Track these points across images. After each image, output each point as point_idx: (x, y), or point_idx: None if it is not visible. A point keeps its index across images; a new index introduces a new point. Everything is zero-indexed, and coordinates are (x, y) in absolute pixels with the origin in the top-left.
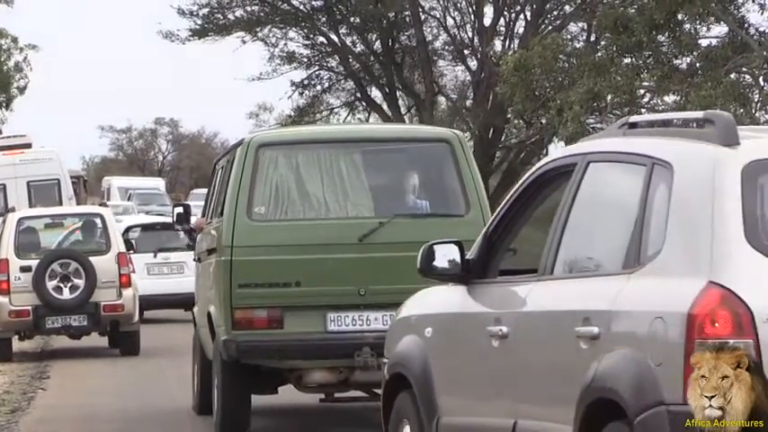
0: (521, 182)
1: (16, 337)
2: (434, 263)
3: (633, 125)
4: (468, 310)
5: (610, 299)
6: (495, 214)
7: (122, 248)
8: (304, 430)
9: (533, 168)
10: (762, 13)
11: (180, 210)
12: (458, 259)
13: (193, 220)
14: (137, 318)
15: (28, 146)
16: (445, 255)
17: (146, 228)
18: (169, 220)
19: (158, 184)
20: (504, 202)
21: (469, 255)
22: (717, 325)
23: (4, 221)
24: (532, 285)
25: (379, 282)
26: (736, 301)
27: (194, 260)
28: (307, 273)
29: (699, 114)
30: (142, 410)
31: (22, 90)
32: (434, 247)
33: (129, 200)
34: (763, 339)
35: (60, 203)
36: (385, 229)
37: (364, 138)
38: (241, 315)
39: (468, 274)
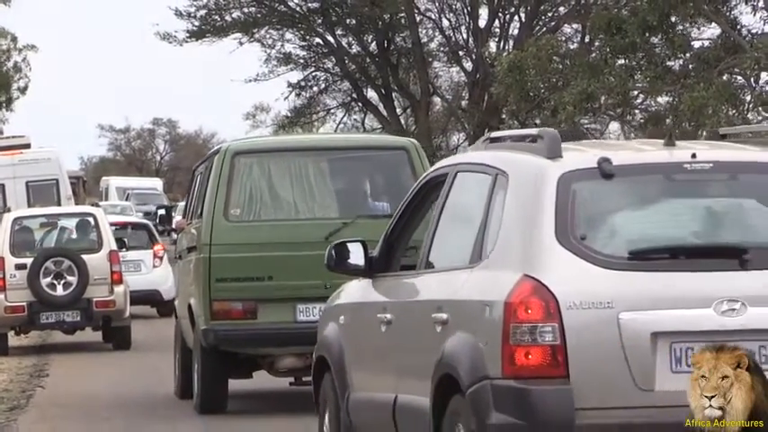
0: (411, 190)
1: (12, 332)
2: (348, 260)
3: (494, 140)
4: (368, 300)
5: (456, 289)
6: (392, 218)
7: (114, 247)
8: (276, 412)
9: (420, 178)
10: (754, 15)
11: (162, 211)
12: (362, 257)
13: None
14: (128, 313)
15: (27, 146)
16: (354, 252)
17: None
18: (131, 219)
19: (156, 184)
20: (398, 208)
21: (374, 253)
22: (529, 311)
23: (0, 222)
24: (410, 279)
25: (342, 277)
26: (545, 292)
27: (175, 258)
28: (278, 268)
29: (534, 131)
30: (136, 401)
31: (23, 90)
32: (345, 245)
33: (126, 200)
34: (566, 323)
35: (59, 203)
36: (348, 229)
37: (330, 146)
38: (219, 307)
39: (370, 269)
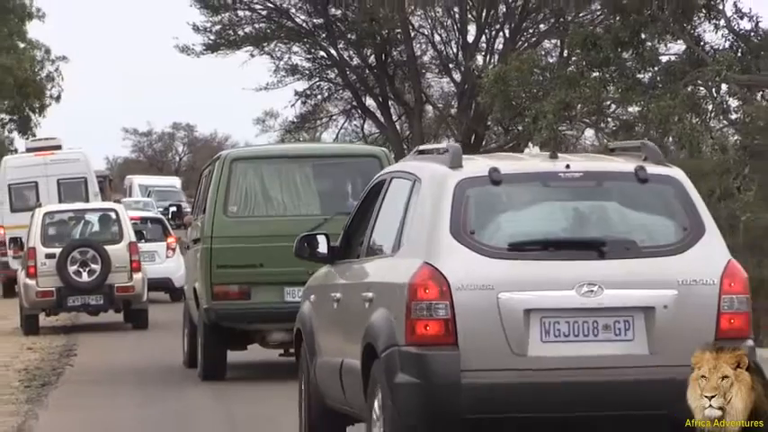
0: (362, 192)
1: (43, 314)
2: (317, 249)
3: (421, 152)
4: (327, 283)
5: (379, 274)
6: (350, 215)
7: (133, 238)
8: (268, 379)
9: (370, 182)
10: (716, 32)
11: (174, 209)
12: (326, 247)
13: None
14: (145, 297)
15: (58, 147)
16: (321, 243)
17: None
18: (149, 214)
19: (175, 182)
20: (354, 206)
21: (336, 243)
22: (427, 291)
23: (32, 215)
24: (354, 265)
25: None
26: (439, 276)
27: (185, 248)
28: (268, 257)
29: (444, 146)
30: (152, 372)
31: (56, 98)
32: (314, 236)
33: (148, 196)
34: (456, 302)
35: (87, 200)
36: (328, 224)
37: (314, 154)
38: (218, 289)
39: (332, 257)
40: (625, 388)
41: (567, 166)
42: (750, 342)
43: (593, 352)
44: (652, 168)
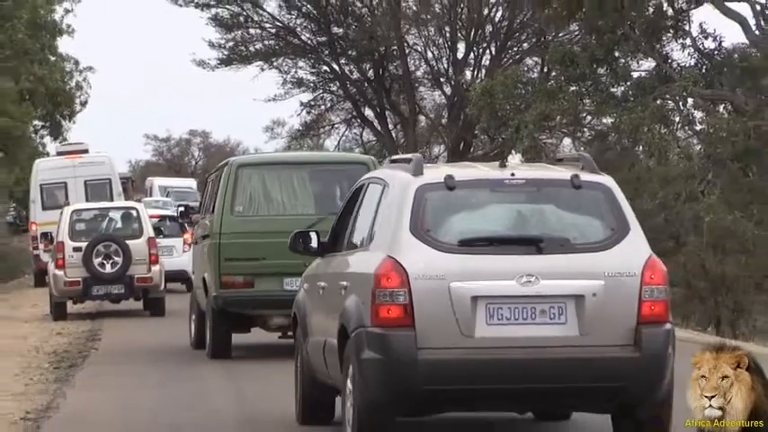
0: (347, 195)
1: (70, 302)
2: (310, 244)
3: (393, 161)
4: (317, 273)
5: (353, 265)
6: (336, 214)
7: (152, 234)
8: (268, 358)
9: (353, 186)
10: (683, 51)
11: (182, 208)
12: (315, 241)
13: None
14: (162, 287)
15: (85, 151)
16: (312, 239)
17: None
18: (167, 212)
19: (191, 183)
20: (340, 207)
21: (326, 238)
22: (389, 280)
23: (61, 213)
24: (336, 257)
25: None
26: (400, 268)
27: (193, 243)
28: (270, 251)
29: (409, 156)
30: (168, 354)
31: (84, 104)
32: (307, 233)
33: (167, 196)
34: (414, 289)
35: (111, 199)
36: (322, 223)
37: (309, 161)
38: (226, 279)
39: (322, 251)
40: (558, 365)
41: (513, 174)
42: (668, 326)
43: (530, 333)
44: (586, 176)
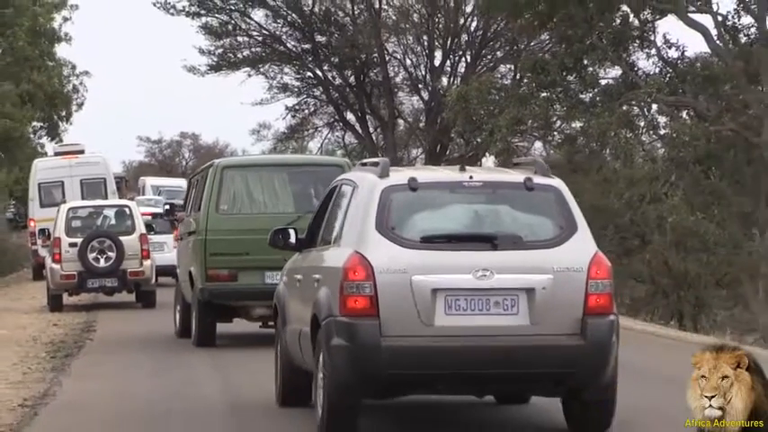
0: (323, 195)
1: (66, 294)
2: (289, 240)
3: (363, 164)
4: (294, 266)
5: (325, 259)
6: (313, 213)
7: (144, 231)
8: (250, 346)
9: (329, 187)
10: (648, 59)
11: (167, 206)
12: (294, 238)
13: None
14: (153, 281)
15: (81, 152)
16: (291, 235)
17: None
18: (158, 210)
19: (182, 183)
20: (317, 207)
21: (303, 235)
22: (356, 274)
23: (58, 210)
24: (312, 252)
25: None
26: (365, 262)
27: (178, 239)
28: (252, 247)
29: (377, 160)
30: (157, 342)
31: (80, 106)
32: (286, 230)
33: (159, 195)
34: (378, 282)
35: (105, 197)
36: (300, 220)
37: (289, 163)
38: (212, 272)
39: (300, 246)
40: (511, 352)
41: (471, 177)
42: (612, 317)
43: (485, 323)
44: (538, 179)
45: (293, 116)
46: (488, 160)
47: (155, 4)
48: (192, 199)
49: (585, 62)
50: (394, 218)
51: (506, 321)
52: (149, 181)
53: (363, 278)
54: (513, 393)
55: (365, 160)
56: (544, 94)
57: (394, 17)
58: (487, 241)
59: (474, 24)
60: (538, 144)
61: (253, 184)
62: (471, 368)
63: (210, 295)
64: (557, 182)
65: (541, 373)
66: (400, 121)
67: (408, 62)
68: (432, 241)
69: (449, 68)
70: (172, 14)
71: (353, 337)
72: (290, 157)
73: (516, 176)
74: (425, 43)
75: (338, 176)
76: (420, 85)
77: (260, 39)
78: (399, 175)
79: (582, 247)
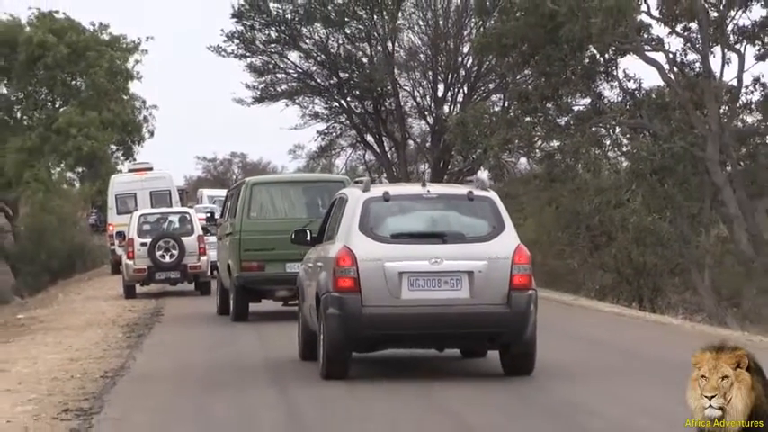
0: (329, 204)
1: (138, 284)
2: (306, 238)
3: (356, 182)
4: (308, 257)
5: (325, 251)
6: (322, 218)
7: (201, 233)
8: (276, 320)
9: (332, 199)
10: (611, 90)
11: (209, 214)
12: (310, 235)
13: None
14: (209, 273)
15: (150, 169)
16: (307, 234)
17: None
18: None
19: None
20: (325, 213)
21: (315, 234)
22: (344, 261)
23: (132, 216)
24: (319, 247)
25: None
26: (351, 253)
27: (218, 239)
28: (276, 244)
29: (365, 179)
30: (209, 319)
31: (151, 134)
32: (303, 230)
33: (213, 204)
34: (360, 268)
35: (170, 206)
36: (311, 224)
37: (302, 180)
38: (245, 264)
39: (313, 242)
40: (456, 317)
41: (428, 191)
42: (530, 291)
43: (438, 296)
44: (477, 192)
45: (323, 139)
46: (483, 173)
47: (209, 48)
48: (229, 208)
49: (561, 93)
50: (372, 221)
51: (453, 295)
52: (206, 192)
53: (350, 264)
54: (468, 348)
55: (357, 179)
56: (528, 119)
57: (404, 57)
58: (439, 237)
59: (470, 62)
60: (523, 160)
61: (275, 197)
62: (428, 329)
63: (244, 282)
64: (491, 194)
65: (479, 333)
66: (410, 142)
67: (416, 93)
68: (399, 237)
69: (449, 98)
70: (223, 56)
71: (342, 307)
72: (303, 176)
73: (462, 190)
74: (430, 77)
75: (338, 190)
76: (426, 112)
77: (295, 75)
78: (377, 190)
79: (508, 242)
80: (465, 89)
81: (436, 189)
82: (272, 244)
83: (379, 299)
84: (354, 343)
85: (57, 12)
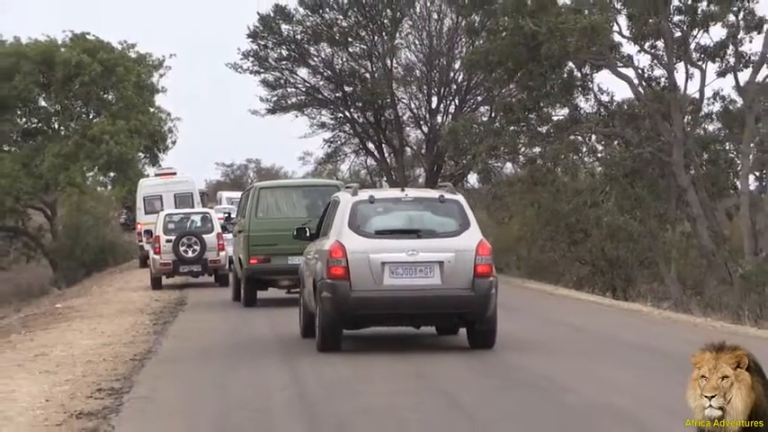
0: (324, 206)
1: (164, 277)
2: (306, 234)
3: (347, 187)
4: (308, 251)
5: (320, 245)
6: (320, 217)
7: (220, 230)
8: (280, 306)
9: (327, 201)
10: (587, 102)
11: (227, 214)
12: (309, 232)
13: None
14: (227, 266)
15: (174, 173)
16: (306, 231)
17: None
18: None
19: None
20: (322, 213)
21: (314, 231)
22: (336, 253)
23: (158, 216)
24: (317, 242)
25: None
26: (342, 246)
27: (233, 235)
28: (279, 240)
29: (354, 185)
30: (226, 305)
31: (174, 143)
32: (303, 227)
33: (231, 205)
34: (349, 259)
35: (192, 207)
36: (310, 223)
37: (302, 185)
38: (253, 258)
39: (312, 238)
40: (429, 300)
41: (406, 195)
42: (491, 278)
43: (414, 283)
44: (447, 195)
45: (329, 146)
46: (472, 176)
47: (227, 65)
48: (240, 209)
49: (542, 104)
50: (359, 220)
51: (427, 282)
52: (225, 194)
53: (341, 256)
54: (439, 326)
55: (347, 185)
56: (512, 128)
57: (402, 72)
58: (415, 233)
59: (460, 77)
60: (508, 165)
61: (279, 199)
62: (406, 310)
63: (253, 272)
64: (459, 197)
65: (449, 313)
66: (407, 149)
67: (413, 105)
68: (381, 234)
69: (442, 109)
70: (239, 72)
71: (334, 292)
72: (303, 181)
73: (434, 193)
74: (425, 91)
75: (333, 194)
76: (421, 122)
77: (304, 89)
78: (363, 194)
79: (472, 237)
80: (456, 101)
81: (412, 193)
82: (277, 240)
83: (365, 285)
84: (345, 321)
85: (88, 33)
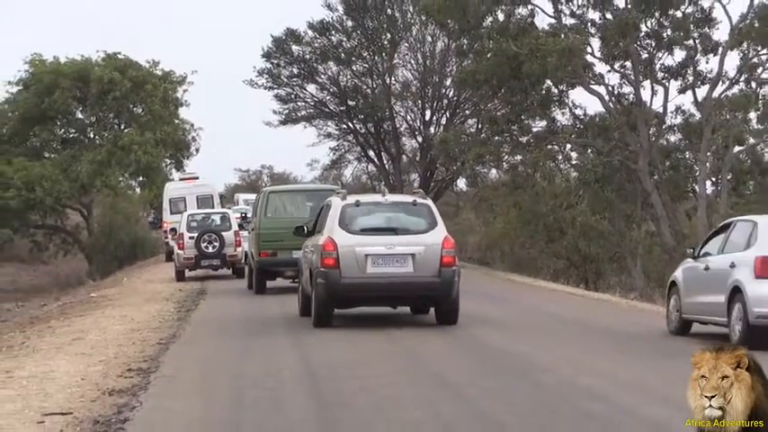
0: (320, 207)
1: (187, 270)
2: (304, 231)
3: (338, 193)
4: (306, 245)
5: (315, 241)
6: (315, 218)
7: (237, 229)
8: (285, 293)
9: (322, 204)
10: (563, 116)
11: (243, 214)
12: (306, 230)
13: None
14: (244, 261)
15: (196, 178)
16: (305, 228)
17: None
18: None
19: None
20: (317, 213)
21: (311, 228)
22: (328, 247)
23: (182, 215)
24: (313, 237)
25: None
26: (333, 241)
27: (248, 232)
28: (285, 237)
29: (343, 191)
30: (241, 294)
31: (197, 151)
32: (302, 226)
33: (247, 205)
34: (339, 251)
35: (213, 207)
36: (310, 222)
37: (304, 189)
38: (263, 252)
39: (309, 234)
40: (404, 285)
41: (386, 199)
42: (455, 267)
43: (392, 271)
44: (419, 200)
45: (334, 154)
46: (462, 181)
47: (243, 81)
48: (253, 210)
49: (523, 117)
50: (347, 219)
51: (402, 270)
52: (242, 196)
53: (332, 249)
54: (415, 307)
55: (337, 190)
56: (497, 138)
57: (399, 88)
58: (392, 231)
59: (451, 93)
60: (493, 171)
61: (285, 201)
62: (385, 293)
63: (262, 264)
64: (429, 201)
65: (420, 296)
66: (404, 156)
67: (408, 117)
68: (365, 231)
69: (435, 121)
70: (255, 88)
71: (327, 278)
72: (305, 186)
73: (409, 198)
74: (420, 105)
75: (327, 198)
76: (416, 132)
77: (312, 103)
78: (351, 198)
79: (439, 234)
80: (447, 114)
81: (391, 198)
82: (282, 236)
83: (351, 272)
84: (335, 303)
85: (119, 53)
